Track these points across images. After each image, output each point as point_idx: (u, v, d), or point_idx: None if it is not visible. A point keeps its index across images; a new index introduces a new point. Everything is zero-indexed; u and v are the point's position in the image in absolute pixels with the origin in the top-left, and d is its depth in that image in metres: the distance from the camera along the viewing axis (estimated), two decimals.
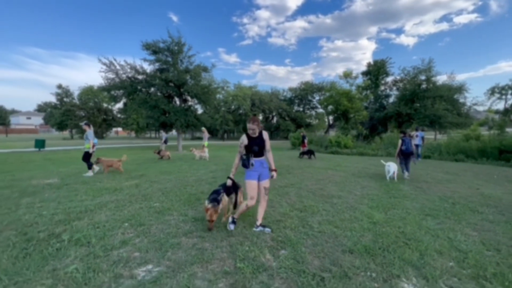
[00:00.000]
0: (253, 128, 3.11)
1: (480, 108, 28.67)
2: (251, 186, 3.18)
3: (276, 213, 4.04)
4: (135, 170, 8.31)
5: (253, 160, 3.16)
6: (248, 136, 3.18)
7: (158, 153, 12.02)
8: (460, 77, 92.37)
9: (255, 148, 3.15)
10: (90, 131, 7.14)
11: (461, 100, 24.53)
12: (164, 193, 5.20)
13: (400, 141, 7.55)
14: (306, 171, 8.55)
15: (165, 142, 15.35)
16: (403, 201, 4.85)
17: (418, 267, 2.44)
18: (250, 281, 2.19)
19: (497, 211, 4.21)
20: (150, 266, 2.42)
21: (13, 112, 72.40)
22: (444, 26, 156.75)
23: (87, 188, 5.58)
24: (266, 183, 3.29)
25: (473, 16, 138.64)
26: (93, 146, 7.24)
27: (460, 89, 23.90)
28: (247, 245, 2.87)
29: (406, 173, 7.32)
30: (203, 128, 13.34)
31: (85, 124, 7.24)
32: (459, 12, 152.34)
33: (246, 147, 3.18)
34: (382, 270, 2.40)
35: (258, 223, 3.32)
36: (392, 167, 6.96)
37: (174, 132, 22.61)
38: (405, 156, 7.38)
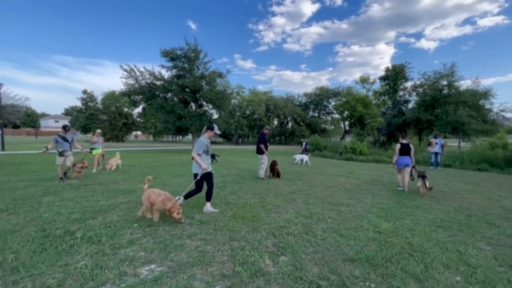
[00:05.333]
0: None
1: (509, 115, 27.01)
2: None
3: (281, 219, 4.05)
4: (149, 173, 8.61)
5: None
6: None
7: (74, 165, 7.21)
8: (486, 82, 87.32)
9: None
10: None
11: (487, 106, 23.23)
12: (174, 196, 5.35)
13: (304, 143, 14.65)
14: (316, 177, 8.46)
15: (69, 145, 7.10)
16: (415, 211, 4.69)
17: (421, 280, 2.37)
18: (246, 285, 2.23)
19: None
20: (153, 266, 2.52)
21: (43, 115, 77.42)
22: (468, 29, 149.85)
23: (103, 189, 5.87)
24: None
25: (499, 19, 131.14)
26: None
27: (486, 94, 22.63)
28: (248, 249, 2.92)
29: (309, 162, 12.23)
30: (98, 131, 9.76)
31: None
32: (483, 15, 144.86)
33: None
34: (382, 281, 2.35)
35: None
36: (298, 157, 12.50)
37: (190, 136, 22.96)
38: (306, 152, 13.70)
